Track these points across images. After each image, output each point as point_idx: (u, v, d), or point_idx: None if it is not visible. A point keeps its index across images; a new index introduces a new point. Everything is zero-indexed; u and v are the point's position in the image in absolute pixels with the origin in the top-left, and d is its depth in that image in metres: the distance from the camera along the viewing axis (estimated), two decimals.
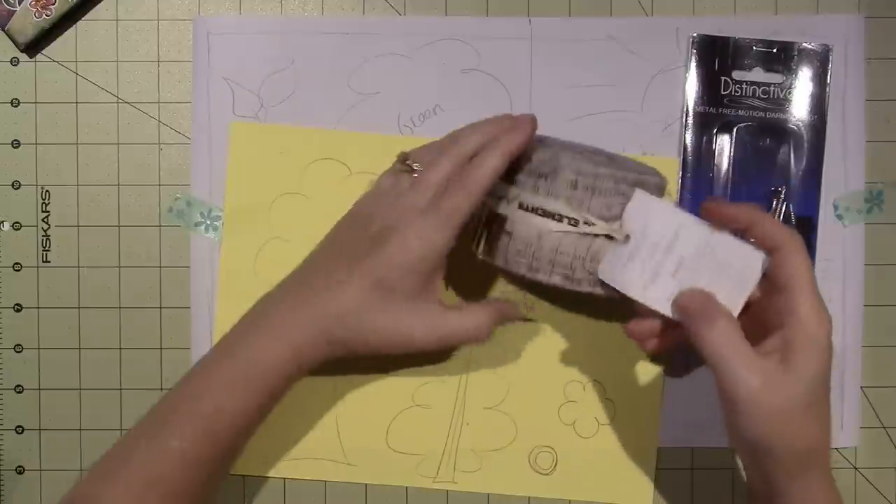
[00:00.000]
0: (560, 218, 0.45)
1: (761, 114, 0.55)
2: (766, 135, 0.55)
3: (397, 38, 0.55)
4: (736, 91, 0.55)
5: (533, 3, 0.55)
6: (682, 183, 0.55)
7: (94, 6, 0.55)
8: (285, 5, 0.55)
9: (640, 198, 0.45)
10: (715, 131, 0.55)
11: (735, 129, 0.55)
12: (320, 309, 0.46)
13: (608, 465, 0.55)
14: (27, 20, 0.54)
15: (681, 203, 0.55)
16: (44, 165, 0.55)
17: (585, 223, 0.45)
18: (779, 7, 0.55)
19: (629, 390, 0.55)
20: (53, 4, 0.54)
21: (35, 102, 0.55)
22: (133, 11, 0.55)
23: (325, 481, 0.55)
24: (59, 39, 0.55)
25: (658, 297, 0.45)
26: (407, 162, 0.48)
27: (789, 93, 0.55)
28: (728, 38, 0.55)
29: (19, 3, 0.53)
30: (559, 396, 0.55)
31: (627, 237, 0.45)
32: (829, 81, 0.55)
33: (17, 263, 0.55)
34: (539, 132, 0.45)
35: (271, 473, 0.55)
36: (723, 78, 0.55)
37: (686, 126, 0.55)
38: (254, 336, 0.46)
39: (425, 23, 0.55)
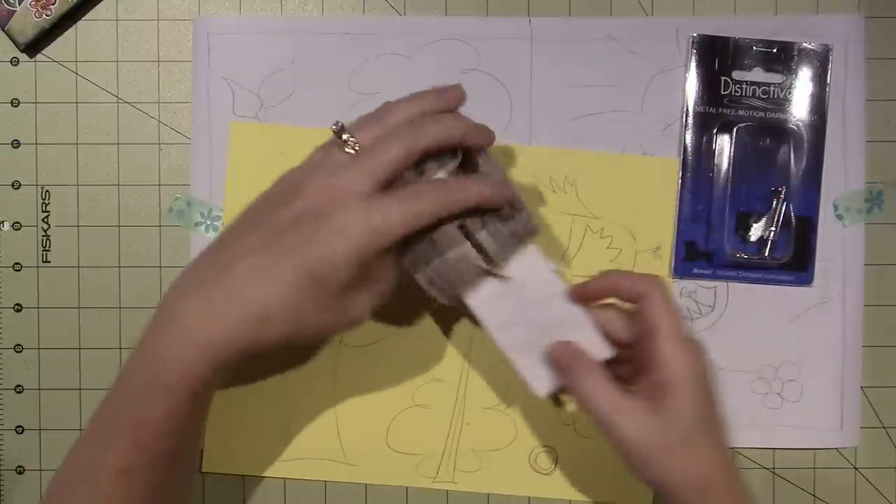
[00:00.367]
0: (480, 249, 0.46)
1: (761, 114, 0.55)
2: (766, 135, 0.55)
3: (397, 38, 0.55)
4: (736, 91, 0.55)
5: (533, 3, 0.55)
6: (682, 183, 0.55)
7: (94, 6, 0.55)
8: (285, 5, 0.55)
9: (531, 251, 0.47)
10: (715, 131, 0.55)
11: (735, 129, 0.55)
12: (238, 307, 0.41)
13: (608, 465, 0.55)
14: (27, 20, 0.54)
15: (680, 203, 0.55)
16: (44, 165, 0.55)
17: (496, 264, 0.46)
18: (779, 7, 0.55)
19: None
20: (53, 4, 0.54)
21: (35, 102, 0.55)
22: (133, 11, 0.55)
23: (325, 481, 0.55)
24: (59, 39, 0.55)
25: (510, 342, 0.47)
26: (344, 137, 0.44)
27: (789, 93, 0.55)
28: (728, 38, 0.55)
29: (19, 3, 0.53)
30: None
31: (505, 278, 0.47)
32: (829, 81, 0.55)
33: (17, 263, 0.55)
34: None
35: (271, 473, 0.55)
36: (723, 78, 0.55)
37: (686, 126, 0.55)
38: (165, 335, 0.42)
39: (425, 23, 0.55)
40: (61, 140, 0.55)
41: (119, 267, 0.55)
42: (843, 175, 0.55)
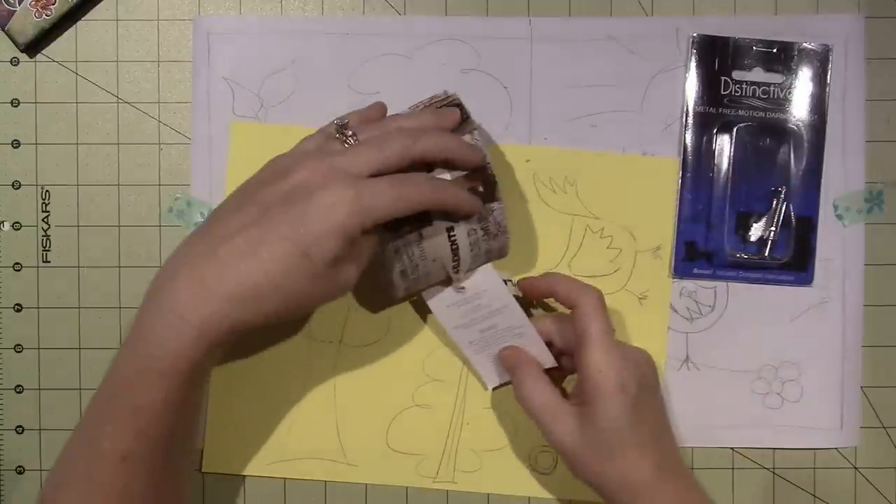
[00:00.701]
0: (455, 256, 0.47)
1: (761, 114, 0.55)
2: (766, 135, 0.55)
3: (397, 38, 0.55)
4: (736, 91, 0.55)
5: (533, 3, 0.55)
6: (682, 183, 0.55)
7: (94, 6, 0.55)
8: (285, 5, 0.55)
9: (488, 270, 0.50)
10: (715, 131, 0.55)
11: (735, 129, 0.55)
12: (227, 285, 0.41)
13: None
14: (27, 20, 0.54)
15: (680, 203, 0.55)
16: (44, 165, 0.55)
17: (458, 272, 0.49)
18: (779, 7, 0.55)
19: None
20: (53, 4, 0.54)
21: (35, 102, 0.55)
22: (133, 11, 0.55)
23: (325, 481, 0.55)
24: (59, 39, 0.55)
25: (465, 342, 0.53)
26: (345, 131, 0.45)
27: (789, 93, 0.55)
28: (728, 38, 0.55)
29: (19, 3, 0.53)
30: None
31: (463, 289, 0.50)
32: (829, 81, 0.55)
33: (17, 263, 0.55)
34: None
35: (271, 473, 0.55)
36: (723, 78, 0.55)
37: (686, 126, 0.55)
38: (156, 318, 0.42)
39: (425, 23, 0.55)
40: (61, 140, 0.55)
41: (119, 267, 0.55)
42: (843, 175, 0.55)
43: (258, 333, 0.48)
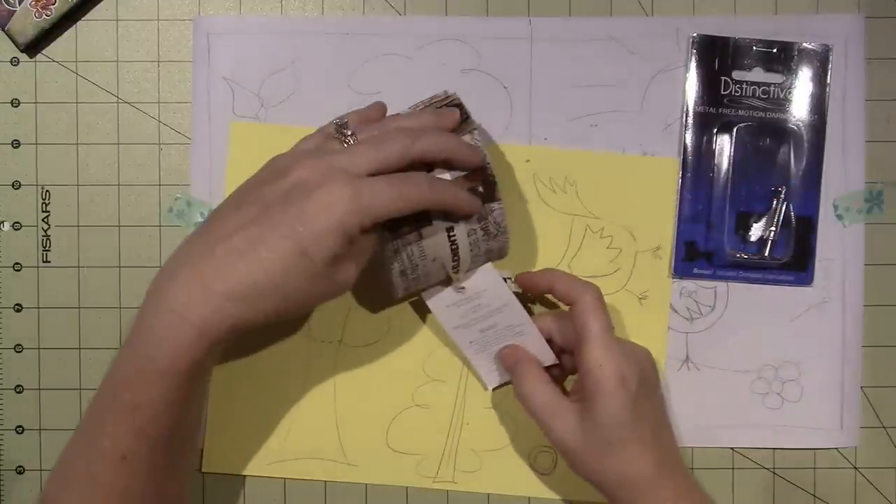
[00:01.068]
0: (455, 256, 0.48)
1: (761, 114, 0.55)
2: (766, 135, 0.55)
3: (397, 38, 0.55)
4: (736, 91, 0.55)
5: (533, 3, 0.55)
6: (682, 183, 0.55)
7: (94, 6, 0.55)
8: (285, 5, 0.55)
9: (488, 269, 0.50)
10: (715, 131, 0.55)
11: (735, 129, 0.55)
12: (226, 284, 0.41)
13: None
14: (27, 20, 0.54)
15: (680, 203, 0.55)
16: (44, 165, 0.55)
17: (458, 272, 0.49)
18: (779, 7, 0.55)
19: None
20: (53, 4, 0.54)
21: (35, 102, 0.55)
22: (133, 11, 0.55)
23: (325, 481, 0.55)
24: (59, 39, 0.55)
25: (465, 342, 0.53)
26: (345, 131, 0.45)
27: (789, 93, 0.55)
28: (728, 38, 0.55)
29: (19, 3, 0.53)
30: None
31: (463, 288, 0.50)
32: (829, 81, 0.55)
33: (17, 263, 0.55)
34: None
35: (271, 473, 0.55)
36: (723, 78, 0.55)
37: (686, 126, 0.55)
38: (156, 318, 0.42)
39: (425, 23, 0.55)
40: (61, 140, 0.55)
41: (119, 267, 0.55)
42: (843, 175, 0.55)
43: (258, 333, 0.48)
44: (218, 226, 0.43)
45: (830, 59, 0.55)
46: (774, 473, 0.56)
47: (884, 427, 0.56)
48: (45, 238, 0.55)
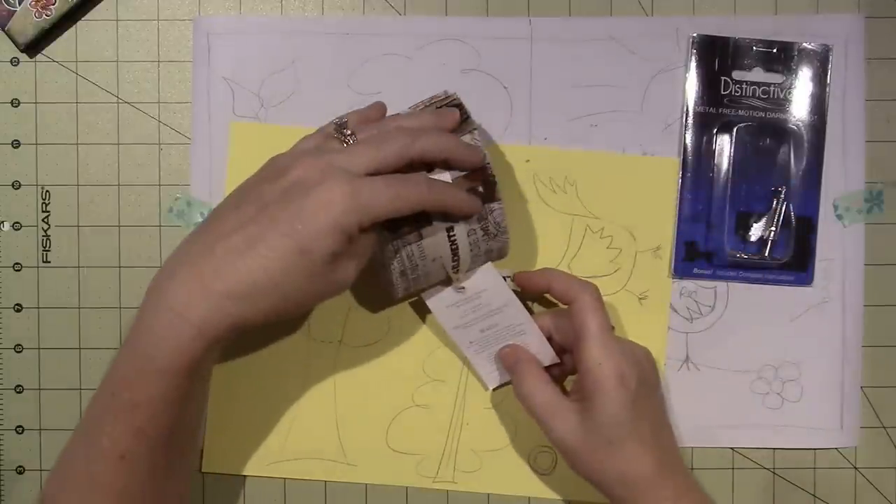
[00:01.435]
0: (455, 256, 0.48)
1: (761, 114, 0.55)
2: (766, 135, 0.55)
3: (397, 38, 0.55)
4: (736, 91, 0.55)
5: (533, 3, 0.55)
6: (682, 183, 0.55)
7: (94, 6, 0.55)
8: (285, 5, 0.55)
9: (488, 269, 0.50)
10: (715, 131, 0.55)
11: (735, 129, 0.55)
12: (225, 283, 0.41)
13: None
14: (27, 20, 0.54)
15: (680, 203, 0.55)
16: (44, 165, 0.55)
17: (458, 272, 0.49)
18: (779, 7, 0.55)
19: None
20: (53, 4, 0.54)
21: (35, 102, 0.55)
22: (133, 11, 0.55)
23: (325, 481, 0.55)
24: (59, 39, 0.55)
25: (466, 342, 0.52)
26: (344, 131, 0.45)
27: (789, 93, 0.55)
28: (728, 38, 0.55)
29: (19, 3, 0.53)
30: None
31: (463, 288, 0.50)
32: (829, 81, 0.55)
33: (17, 263, 0.55)
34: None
35: (271, 473, 0.55)
36: (723, 78, 0.55)
37: (686, 126, 0.55)
38: (155, 317, 0.42)
39: (425, 23, 0.55)
40: (61, 140, 0.55)
41: (119, 267, 0.55)
42: (843, 175, 0.55)
43: (258, 333, 0.48)
44: (217, 225, 0.43)
45: (830, 59, 0.55)
46: (774, 473, 0.56)
47: (884, 427, 0.56)
48: (45, 238, 0.55)
